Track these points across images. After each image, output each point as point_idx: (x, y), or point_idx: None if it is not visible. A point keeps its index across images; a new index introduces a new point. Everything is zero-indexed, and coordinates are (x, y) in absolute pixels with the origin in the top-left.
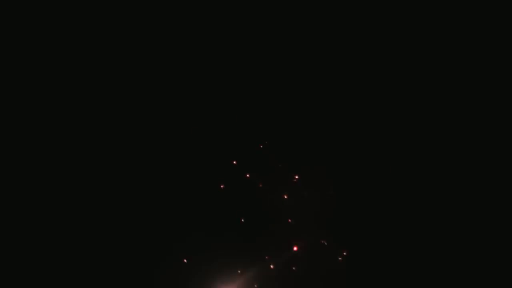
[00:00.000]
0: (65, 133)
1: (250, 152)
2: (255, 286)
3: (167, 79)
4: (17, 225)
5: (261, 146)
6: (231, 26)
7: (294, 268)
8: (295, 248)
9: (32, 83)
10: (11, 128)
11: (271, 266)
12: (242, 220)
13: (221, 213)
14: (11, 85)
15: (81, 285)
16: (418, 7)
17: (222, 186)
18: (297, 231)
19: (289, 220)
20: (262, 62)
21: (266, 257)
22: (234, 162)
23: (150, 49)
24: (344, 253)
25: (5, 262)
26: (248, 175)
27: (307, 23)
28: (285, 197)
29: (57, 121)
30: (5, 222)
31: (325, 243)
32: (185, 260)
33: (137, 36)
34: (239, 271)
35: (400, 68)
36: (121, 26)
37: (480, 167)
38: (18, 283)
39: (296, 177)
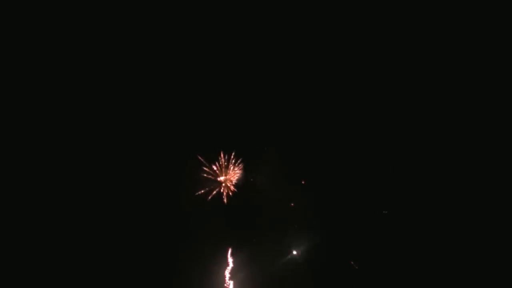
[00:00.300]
0: (63, 132)
1: (253, 156)
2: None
3: (169, 82)
4: (17, 225)
5: (266, 149)
6: (232, 29)
7: (296, 270)
8: (297, 252)
9: (27, 83)
10: (11, 128)
11: (274, 269)
12: (246, 223)
13: (224, 217)
14: (11, 85)
15: (81, 285)
16: (418, 8)
17: (227, 191)
18: (300, 235)
19: (295, 226)
20: (268, 67)
21: (270, 260)
22: (239, 166)
23: (150, 52)
24: (347, 256)
25: (5, 262)
26: (252, 179)
27: (308, 26)
28: (292, 204)
29: (55, 120)
30: (5, 222)
31: (328, 246)
32: (187, 261)
33: (136, 38)
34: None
35: (402, 72)
36: (121, 26)
37: (479, 166)
38: (18, 283)
39: (303, 182)
